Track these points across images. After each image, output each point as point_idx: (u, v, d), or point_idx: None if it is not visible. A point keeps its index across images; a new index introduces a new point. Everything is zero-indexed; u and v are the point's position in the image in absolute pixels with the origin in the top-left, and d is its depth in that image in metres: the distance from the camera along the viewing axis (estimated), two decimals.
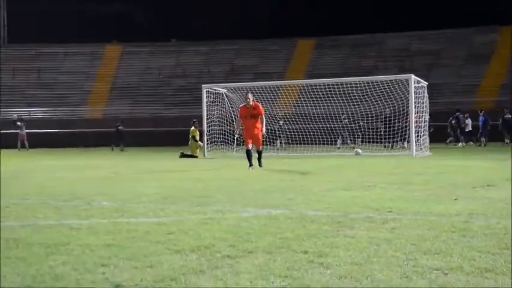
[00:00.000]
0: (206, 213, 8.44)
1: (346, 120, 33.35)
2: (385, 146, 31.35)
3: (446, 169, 16.75)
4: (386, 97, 29.18)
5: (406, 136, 28.21)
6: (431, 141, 30.20)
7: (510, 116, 36.63)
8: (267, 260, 5.42)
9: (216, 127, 29.53)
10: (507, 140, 36.80)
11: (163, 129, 46.82)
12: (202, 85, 30.52)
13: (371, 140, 31.52)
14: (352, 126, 33.63)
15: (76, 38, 57.05)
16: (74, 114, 51.67)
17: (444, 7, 58.50)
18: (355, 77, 34.13)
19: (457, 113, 37.03)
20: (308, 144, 30.30)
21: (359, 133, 33.70)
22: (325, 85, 30.65)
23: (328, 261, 5.33)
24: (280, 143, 35.19)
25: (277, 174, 16.36)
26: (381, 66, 52.52)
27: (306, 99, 32.49)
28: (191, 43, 58.70)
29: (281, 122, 35.20)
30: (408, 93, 26.47)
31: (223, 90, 30.37)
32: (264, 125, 18.93)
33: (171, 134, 43.24)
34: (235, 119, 26.44)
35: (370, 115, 32.11)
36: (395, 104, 29.28)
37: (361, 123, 33.78)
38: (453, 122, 36.66)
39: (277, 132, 33.84)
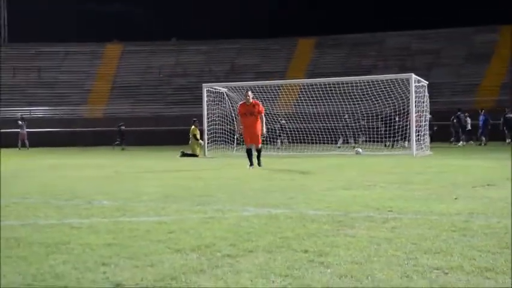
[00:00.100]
0: (207, 213, 8.44)
1: (348, 120, 33.34)
2: (385, 145, 31.36)
3: (447, 168, 16.76)
4: (387, 96, 29.19)
5: (407, 135, 28.21)
6: (434, 140, 30.18)
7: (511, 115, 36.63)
8: (267, 259, 5.42)
9: (217, 126, 29.54)
10: (508, 140, 36.81)
11: (163, 129, 46.83)
12: (203, 84, 30.52)
13: (372, 139, 31.53)
14: (353, 126, 33.63)
15: (76, 37, 57.10)
16: (74, 113, 51.69)
17: (444, 6, 58.50)
18: (356, 76, 34.13)
19: (458, 113, 37.03)
20: (309, 143, 30.30)
21: (359, 132, 33.70)
22: (325, 84, 30.66)
23: (329, 260, 5.34)
24: (281, 142, 35.18)
25: (277, 173, 16.37)
26: (381, 65, 52.52)
27: (307, 98, 32.48)
28: (192, 42, 58.72)
29: (283, 121, 35.17)
30: (409, 93, 26.47)
31: (224, 90, 30.37)
32: (264, 124, 18.86)
33: (172, 133, 43.24)
34: (235, 118, 26.43)
35: (370, 114, 32.12)
36: (396, 103, 29.29)
37: (362, 123, 33.79)
38: (455, 121, 36.66)
39: (277, 131, 33.83)
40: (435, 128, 31.81)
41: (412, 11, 59.10)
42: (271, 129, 30.54)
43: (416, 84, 26.68)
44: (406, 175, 14.50)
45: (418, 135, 26.43)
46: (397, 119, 30.52)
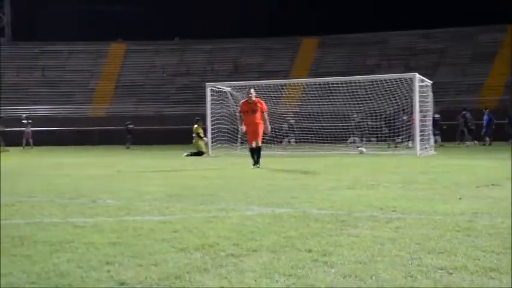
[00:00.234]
0: (210, 212, 8.45)
1: (358, 119, 33.25)
2: (388, 145, 31.33)
3: (451, 168, 16.74)
4: (391, 96, 29.15)
5: (411, 135, 28.18)
6: (443, 139, 30.07)
7: None
8: (271, 259, 5.43)
9: (221, 125, 29.53)
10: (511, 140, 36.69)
11: (167, 128, 46.85)
12: (206, 83, 30.54)
13: (377, 139, 31.50)
14: (361, 125, 33.51)
15: (81, 36, 57.04)
16: (78, 112, 51.74)
17: (448, 5, 58.37)
18: (359, 75, 34.09)
19: (464, 112, 36.91)
20: (313, 142, 30.25)
21: (366, 131, 33.60)
22: (329, 84, 30.63)
23: (332, 260, 5.34)
24: (289, 141, 35.09)
25: (281, 172, 16.37)
26: (385, 64, 52.47)
27: (311, 98, 32.47)
28: (195, 41, 58.69)
29: (292, 121, 35.06)
30: (413, 92, 26.45)
31: (228, 89, 30.37)
32: (267, 123, 18.74)
33: (175, 132, 43.26)
34: (239, 116, 26.40)
35: (374, 114, 32.08)
36: (400, 103, 29.26)
37: (369, 122, 33.72)
38: (461, 120, 36.54)
39: (283, 130, 33.76)
40: (444, 127, 31.72)
41: (416, 10, 58.95)
42: (278, 128, 30.53)
43: (420, 84, 26.66)
44: (410, 175, 14.49)
45: (422, 135, 26.40)
46: (405, 118, 30.44)
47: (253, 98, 18.53)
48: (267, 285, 4.63)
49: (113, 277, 4.87)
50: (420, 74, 27.80)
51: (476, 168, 16.81)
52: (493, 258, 5.37)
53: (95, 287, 4.65)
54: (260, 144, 18.55)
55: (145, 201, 9.72)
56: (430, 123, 28.32)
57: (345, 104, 31.38)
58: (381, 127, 31.61)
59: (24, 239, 6.48)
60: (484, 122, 36.24)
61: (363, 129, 32.90)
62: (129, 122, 42.01)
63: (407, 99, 28.00)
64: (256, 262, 5.31)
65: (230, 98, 30.02)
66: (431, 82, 28.92)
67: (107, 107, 52.63)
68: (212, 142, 28.63)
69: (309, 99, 33.23)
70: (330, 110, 31.85)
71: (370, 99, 30.87)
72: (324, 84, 30.95)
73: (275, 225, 7.21)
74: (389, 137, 31.14)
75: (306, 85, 36.62)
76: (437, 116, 32.66)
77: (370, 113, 32.32)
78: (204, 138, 28.30)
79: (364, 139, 33.36)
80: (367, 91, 30.17)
